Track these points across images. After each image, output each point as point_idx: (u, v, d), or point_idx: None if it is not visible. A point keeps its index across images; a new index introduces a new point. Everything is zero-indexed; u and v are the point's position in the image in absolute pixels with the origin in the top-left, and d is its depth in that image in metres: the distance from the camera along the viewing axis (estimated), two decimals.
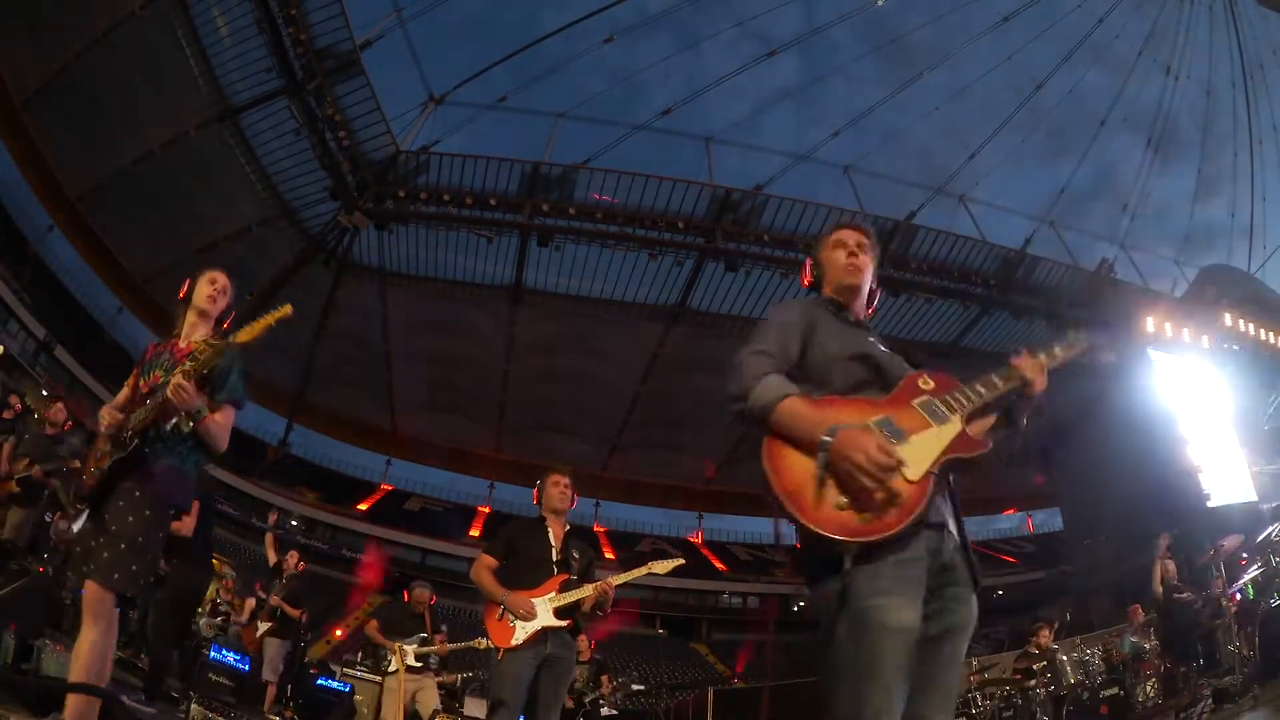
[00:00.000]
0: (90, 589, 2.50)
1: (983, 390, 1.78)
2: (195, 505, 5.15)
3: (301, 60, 15.37)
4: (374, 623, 6.76)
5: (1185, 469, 10.15)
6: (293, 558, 7.61)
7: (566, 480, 3.82)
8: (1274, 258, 19.72)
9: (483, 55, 17.46)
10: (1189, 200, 22.01)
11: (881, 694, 1.51)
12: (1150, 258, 20.49)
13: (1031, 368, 1.81)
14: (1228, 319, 11.18)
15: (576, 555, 3.69)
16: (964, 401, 1.74)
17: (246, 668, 7.28)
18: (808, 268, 2.15)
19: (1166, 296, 18.45)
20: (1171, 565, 7.08)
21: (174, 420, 2.68)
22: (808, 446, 1.61)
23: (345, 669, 8.30)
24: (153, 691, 4.91)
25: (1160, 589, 6.85)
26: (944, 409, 1.71)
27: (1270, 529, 6.52)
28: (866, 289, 2.07)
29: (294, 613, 7.08)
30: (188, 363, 2.66)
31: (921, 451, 1.62)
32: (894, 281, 18.00)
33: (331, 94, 15.93)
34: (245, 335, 2.59)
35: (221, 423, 2.79)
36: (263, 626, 6.97)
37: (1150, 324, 10.90)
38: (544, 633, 3.49)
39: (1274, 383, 11.71)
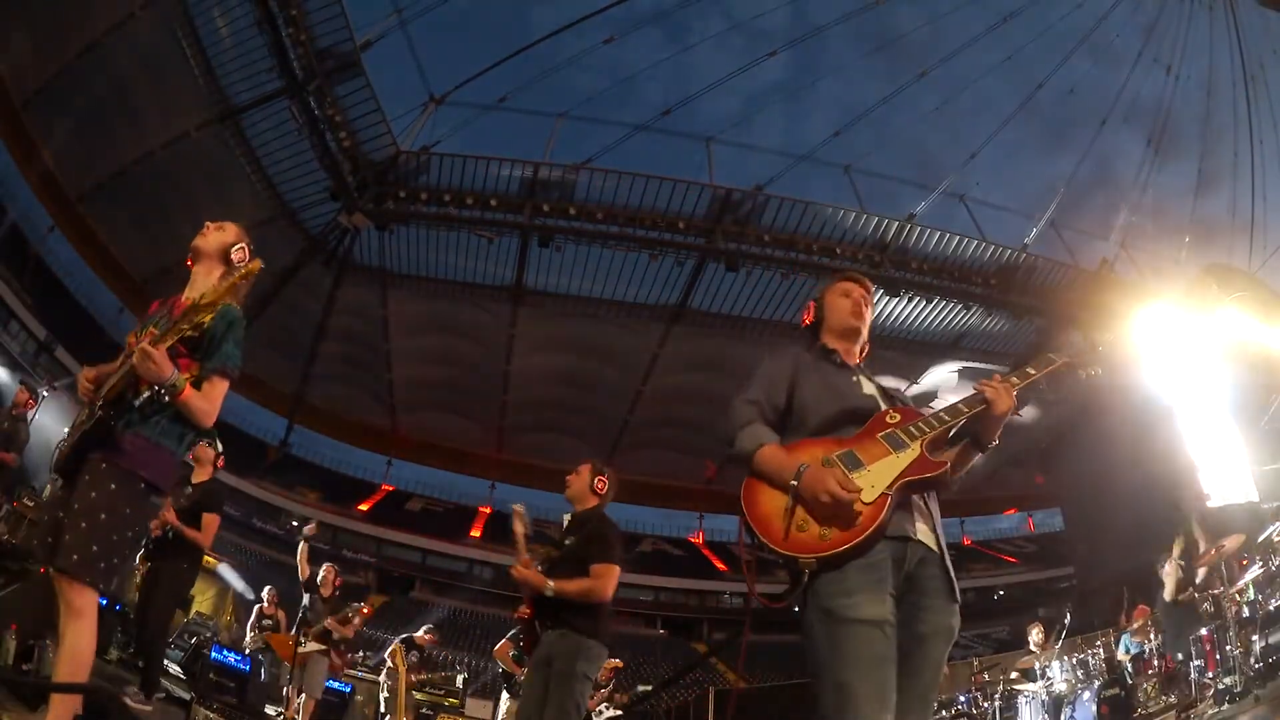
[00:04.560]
0: (56, 580, 2.24)
1: (945, 417, 1.94)
2: (215, 519, 5.06)
3: (302, 60, 15.35)
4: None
5: (1185, 469, 10.15)
6: (330, 573, 7.13)
7: (575, 468, 3.92)
8: (1274, 257, 19.70)
9: (483, 56, 17.45)
10: (1189, 198, 21.98)
11: (866, 685, 1.62)
12: (1150, 256, 20.47)
13: (994, 390, 1.93)
14: (1228, 318, 11.17)
15: (569, 540, 3.72)
16: (924, 429, 1.93)
17: (247, 668, 7.28)
18: (810, 309, 2.36)
19: (1166, 295, 18.41)
20: (1180, 568, 7.05)
21: (147, 393, 2.36)
22: (780, 487, 1.86)
23: (345, 668, 8.30)
24: (148, 686, 4.86)
25: (1174, 592, 6.81)
26: (904, 438, 1.90)
27: (1270, 529, 6.50)
28: (864, 335, 2.29)
29: (347, 632, 6.87)
30: (176, 324, 2.33)
31: (878, 476, 1.83)
32: (894, 281, 17.99)
33: (332, 94, 15.92)
34: (212, 295, 2.29)
35: (207, 396, 2.40)
36: (313, 646, 6.56)
37: (1150, 323, 10.89)
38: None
39: (1274, 383, 11.70)
